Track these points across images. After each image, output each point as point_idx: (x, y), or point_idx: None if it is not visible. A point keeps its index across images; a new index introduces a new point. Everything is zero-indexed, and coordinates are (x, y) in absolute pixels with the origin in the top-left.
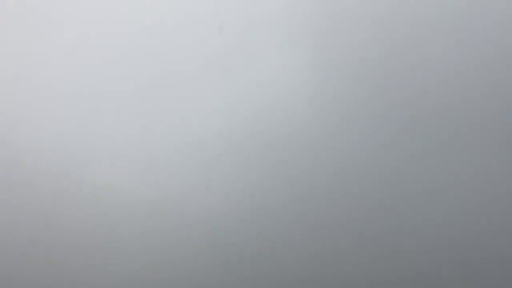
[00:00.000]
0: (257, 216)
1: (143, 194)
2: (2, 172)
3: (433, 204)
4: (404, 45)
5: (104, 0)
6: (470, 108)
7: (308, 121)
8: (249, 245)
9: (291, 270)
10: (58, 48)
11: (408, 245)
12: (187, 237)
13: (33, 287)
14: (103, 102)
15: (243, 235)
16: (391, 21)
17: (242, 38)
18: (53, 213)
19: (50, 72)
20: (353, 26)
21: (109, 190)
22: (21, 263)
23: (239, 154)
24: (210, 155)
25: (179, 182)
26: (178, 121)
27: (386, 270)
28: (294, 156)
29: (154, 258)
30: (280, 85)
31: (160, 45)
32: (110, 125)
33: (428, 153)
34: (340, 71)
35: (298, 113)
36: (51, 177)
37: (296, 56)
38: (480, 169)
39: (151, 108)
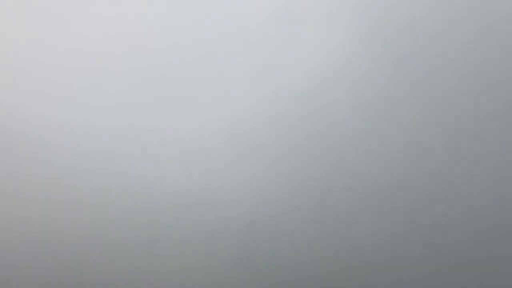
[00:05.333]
0: (301, 207)
1: (184, 185)
2: (44, 166)
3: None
4: (450, 23)
5: None
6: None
7: (348, 102)
8: (290, 237)
9: (334, 260)
10: (90, 40)
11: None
12: (225, 227)
13: (81, 278)
14: (143, 96)
15: (285, 225)
16: None
17: (279, 20)
18: (97, 205)
19: (94, 65)
20: (393, 3)
21: (149, 182)
22: (66, 254)
23: (279, 141)
24: (250, 143)
25: (220, 172)
26: (216, 109)
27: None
28: (335, 141)
29: (195, 248)
30: (318, 66)
31: (195, 31)
32: (149, 117)
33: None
34: (379, 51)
35: (337, 95)
36: (93, 168)
37: (334, 37)
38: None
39: (190, 97)
